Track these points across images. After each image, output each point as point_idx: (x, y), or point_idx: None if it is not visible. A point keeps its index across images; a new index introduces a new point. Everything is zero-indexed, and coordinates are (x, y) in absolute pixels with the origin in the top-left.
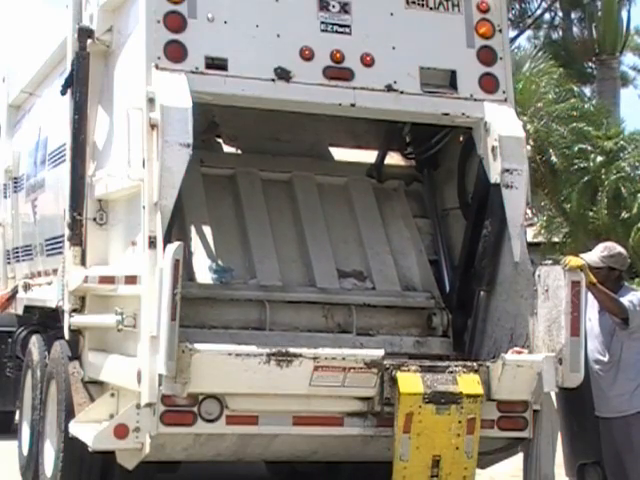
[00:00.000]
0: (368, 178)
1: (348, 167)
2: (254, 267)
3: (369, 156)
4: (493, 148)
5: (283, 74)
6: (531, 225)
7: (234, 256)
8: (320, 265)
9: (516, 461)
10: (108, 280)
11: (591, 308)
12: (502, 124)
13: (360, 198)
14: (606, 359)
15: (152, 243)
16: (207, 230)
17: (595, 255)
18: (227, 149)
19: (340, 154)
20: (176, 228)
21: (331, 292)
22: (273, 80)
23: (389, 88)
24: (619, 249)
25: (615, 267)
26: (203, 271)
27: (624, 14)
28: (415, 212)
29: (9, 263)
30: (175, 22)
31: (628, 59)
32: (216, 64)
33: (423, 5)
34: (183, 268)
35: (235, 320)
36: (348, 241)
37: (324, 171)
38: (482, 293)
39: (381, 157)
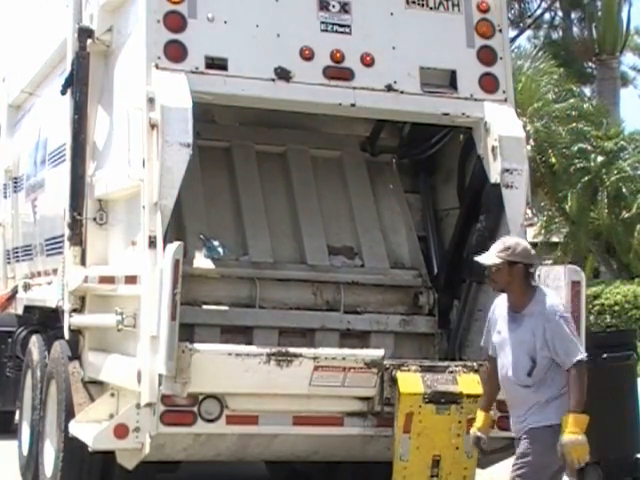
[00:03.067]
0: (362, 152)
1: (342, 140)
2: (246, 243)
3: (364, 129)
4: (493, 148)
5: (283, 74)
6: (531, 225)
7: (227, 231)
8: (311, 241)
9: None
10: (108, 280)
11: (500, 319)
12: (502, 124)
13: (353, 172)
14: (526, 380)
15: (152, 243)
16: (201, 204)
17: (490, 252)
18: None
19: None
20: None
21: (321, 270)
22: (273, 80)
23: (389, 88)
24: (517, 240)
25: (515, 260)
26: (196, 247)
27: (624, 14)
28: (407, 187)
29: (9, 263)
30: (175, 22)
31: (628, 59)
32: (216, 64)
33: (423, 5)
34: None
35: (226, 297)
36: (339, 216)
37: (318, 144)
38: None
39: (377, 131)
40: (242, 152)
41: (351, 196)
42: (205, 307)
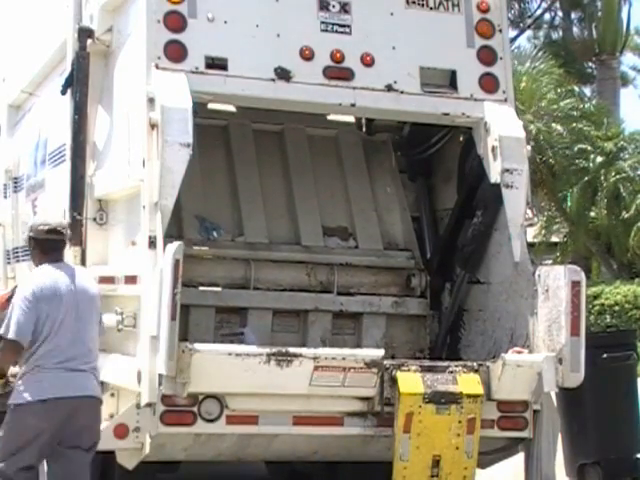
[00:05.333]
0: (358, 131)
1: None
2: (242, 223)
3: None
4: (493, 148)
5: (283, 74)
6: (531, 225)
7: (223, 211)
8: (306, 221)
9: (516, 461)
10: (108, 280)
11: None
12: (502, 124)
13: (349, 151)
14: None
15: (152, 243)
16: (198, 183)
17: None
18: None
19: None
20: None
21: (315, 251)
22: (273, 80)
23: (389, 88)
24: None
25: (29, 235)
26: (192, 227)
27: (624, 14)
28: (402, 167)
29: (9, 263)
30: (175, 22)
31: (628, 59)
32: (216, 64)
33: (423, 5)
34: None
35: (221, 277)
36: (335, 196)
37: (315, 123)
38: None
39: None
40: (239, 131)
41: (346, 175)
42: (200, 288)
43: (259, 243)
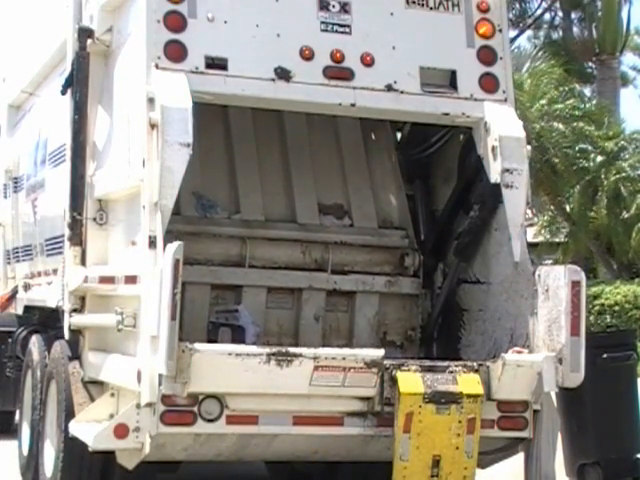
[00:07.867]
0: None
1: None
2: (238, 201)
3: None
4: (493, 148)
5: (283, 74)
6: (531, 225)
7: (220, 188)
8: (302, 199)
9: (516, 461)
10: (108, 280)
11: None
12: (502, 124)
13: (346, 128)
14: None
15: (152, 243)
16: (196, 160)
17: None
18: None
19: None
20: None
21: (310, 229)
22: (273, 80)
23: (389, 88)
24: None
25: None
26: (189, 204)
27: (624, 14)
28: (398, 146)
29: (9, 263)
30: (175, 22)
31: (628, 59)
32: (216, 64)
33: (423, 5)
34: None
35: (217, 255)
36: (331, 173)
37: None
38: (478, 287)
39: None
40: (238, 108)
41: (343, 152)
42: (197, 267)
43: (255, 221)
